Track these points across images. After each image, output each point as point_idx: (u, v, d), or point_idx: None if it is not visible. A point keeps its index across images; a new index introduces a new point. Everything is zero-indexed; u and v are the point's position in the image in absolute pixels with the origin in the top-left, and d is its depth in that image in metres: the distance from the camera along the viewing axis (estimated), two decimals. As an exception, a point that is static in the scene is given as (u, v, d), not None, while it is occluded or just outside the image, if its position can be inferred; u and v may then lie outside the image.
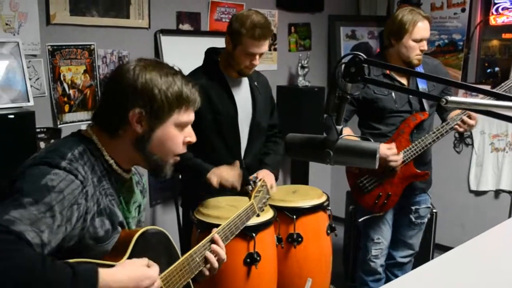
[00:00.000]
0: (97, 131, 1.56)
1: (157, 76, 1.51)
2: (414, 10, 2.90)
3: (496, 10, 4.28)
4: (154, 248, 1.60)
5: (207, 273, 1.76)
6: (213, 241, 1.80)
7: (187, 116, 1.57)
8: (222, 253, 1.80)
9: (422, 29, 2.85)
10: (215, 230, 1.85)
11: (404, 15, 2.86)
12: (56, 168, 1.38)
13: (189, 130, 1.61)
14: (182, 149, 1.61)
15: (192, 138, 1.62)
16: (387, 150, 2.87)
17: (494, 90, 1.69)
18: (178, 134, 1.57)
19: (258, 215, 2.16)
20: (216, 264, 1.77)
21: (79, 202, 1.39)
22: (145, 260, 1.46)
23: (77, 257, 1.39)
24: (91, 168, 1.48)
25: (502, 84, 2.86)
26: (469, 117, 2.87)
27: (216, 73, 2.72)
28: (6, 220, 1.23)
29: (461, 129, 2.90)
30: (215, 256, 1.78)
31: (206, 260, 1.76)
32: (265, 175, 2.61)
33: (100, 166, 1.52)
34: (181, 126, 1.57)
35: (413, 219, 3.17)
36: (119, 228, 1.57)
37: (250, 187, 2.14)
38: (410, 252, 3.27)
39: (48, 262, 1.22)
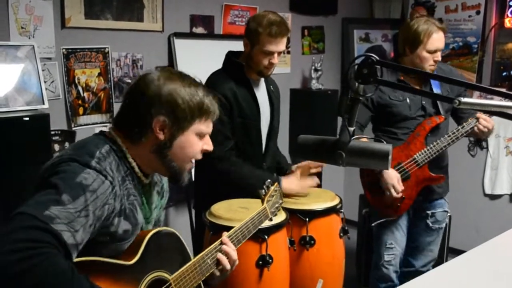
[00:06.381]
0: (120, 136, 1.59)
1: (181, 86, 1.57)
2: (429, 20, 2.89)
3: (512, 12, 4.25)
4: (165, 249, 1.61)
5: (217, 274, 1.77)
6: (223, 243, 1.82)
7: (207, 127, 1.64)
8: (233, 254, 1.81)
9: (436, 40, 2.84)
10: (225, 233, 1.86)
11: (419, 25, 2.85)
12: (86, 167, 1.41)
13: (207, 139, 1.67)
14: (199, 156, 1.67)
15: (210, 146, 1.68)
16: (395, 179, 2.89)
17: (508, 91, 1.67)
18: (197, 142, 1.63)
19: (270, 219, 2.17)
20: (228, 266, 1.78)
21: (109, 202, 1.43)
22: None
23: (93, 252, 1.41)
24: (116, 167, 1.51)
25: None
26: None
27: (242, 77, 2.72)
28: (46, 216, 1.24)
29: (479, 131, 2.88)
30: (226, 258, 1.79)
31: (218, 262, 1.77)
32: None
33: (123, 166, 1.56)
34: (200, 135, 1.63)
35: (430, 224, 3.13)
36: (139, 230, 1.59)
37: (263, 191, 2.14)
38: (429, 259, 3.22)
39: (76, 277, 1.23)
